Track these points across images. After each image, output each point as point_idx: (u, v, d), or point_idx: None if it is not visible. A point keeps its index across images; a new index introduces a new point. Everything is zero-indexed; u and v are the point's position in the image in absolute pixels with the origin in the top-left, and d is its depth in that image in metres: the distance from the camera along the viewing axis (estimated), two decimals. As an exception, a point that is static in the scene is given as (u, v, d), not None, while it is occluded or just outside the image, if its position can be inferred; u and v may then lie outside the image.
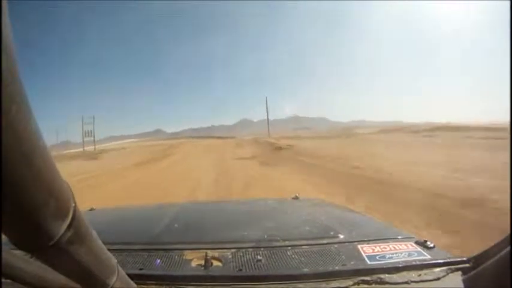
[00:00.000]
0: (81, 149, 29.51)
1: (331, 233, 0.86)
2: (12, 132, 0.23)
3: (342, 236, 0.83)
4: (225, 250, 0.76)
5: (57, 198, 0.28)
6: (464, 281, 0.60)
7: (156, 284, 0.62)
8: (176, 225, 1.01)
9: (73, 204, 0.31)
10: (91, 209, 1.35)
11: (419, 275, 0.63)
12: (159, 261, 0.73)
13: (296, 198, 1.44)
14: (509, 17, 0.58)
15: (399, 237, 0.83)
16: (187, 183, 7.26)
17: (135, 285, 0.48)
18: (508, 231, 0.52)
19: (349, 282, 0.61)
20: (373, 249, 0.73)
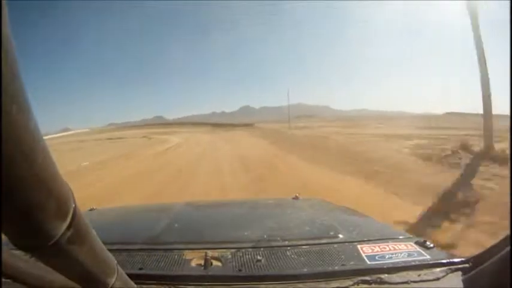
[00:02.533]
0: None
1: (331, 233, 0.86)
2: (12, 132, 0.23)
3: (341, 236, 0.83)
4: (224, 250, 0.76)
5: (57, 198, 0.28)
6: (463, 281, 0.60)
7: (156, 284, 0.62)
8: (176, 225, 1.01)
9: (73, 204, 0.31)
10: (91, 209, 1.35)
11: (419, 275, 0.63)
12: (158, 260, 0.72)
13: (296, 198, 1.44)
14: (509, 17, 0.58)
15: (399, 237, 0.83)
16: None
17: (134, 285, 0.48)
18: (508, 232, 0.52)
19: (349, 282, 0.61)
20: (373, 249, 0.73)
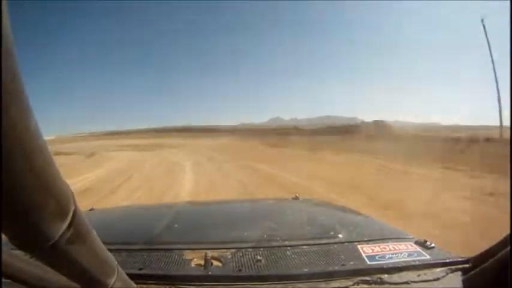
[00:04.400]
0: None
1: (331, 233, 0.86)
2: (12, 132, 0.23)
3: (341, 236, 0.83)
4: (224, 250, 0.76)
5: (57, 199, 0.28)
6: (463, 281, 0.60)
7: (156, 284, 0.62)
8: (176, 225, 1.01)
9: (73, 205, 0.31)
10: (91, 209, 1.35)
11: (419, 275, 0.63)
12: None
13: (296, 198, 1.44)
14: (509, 17, 0.58)
15: (399, 237, 0.83)
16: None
17: (135, 285, 0.48)
18: (508, 232, 0.52)
19: (349, 282, 0.61)
20: (373, 250, 0.73)
